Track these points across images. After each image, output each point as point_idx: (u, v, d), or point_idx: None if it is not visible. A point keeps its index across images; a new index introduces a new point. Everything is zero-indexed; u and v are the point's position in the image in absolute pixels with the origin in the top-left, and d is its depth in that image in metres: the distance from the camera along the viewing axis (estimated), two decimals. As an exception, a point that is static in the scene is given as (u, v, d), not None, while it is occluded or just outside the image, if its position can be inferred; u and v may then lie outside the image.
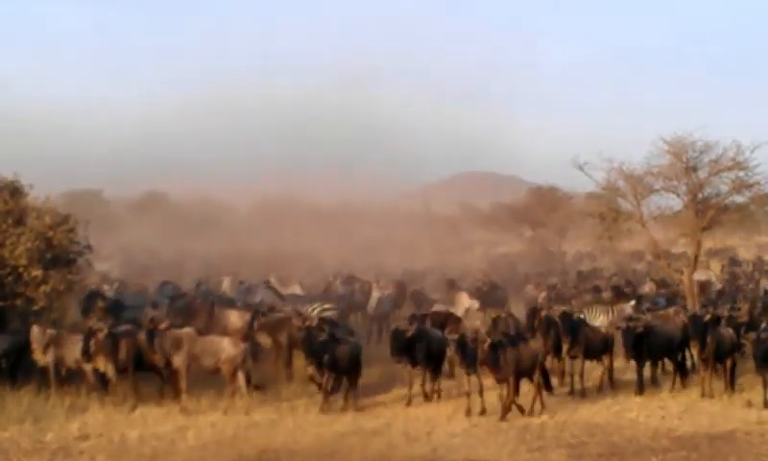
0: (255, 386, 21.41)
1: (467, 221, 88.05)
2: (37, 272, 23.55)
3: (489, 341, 20.37)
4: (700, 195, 29.85)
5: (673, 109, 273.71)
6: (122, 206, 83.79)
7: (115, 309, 28.12)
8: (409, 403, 21.77)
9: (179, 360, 21.23)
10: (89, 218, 27.64)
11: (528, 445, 18.06)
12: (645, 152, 29.99)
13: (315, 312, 27.93)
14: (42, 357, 22.01)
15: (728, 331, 22.79)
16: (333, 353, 21.34)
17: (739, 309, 25.94)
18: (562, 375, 23.68)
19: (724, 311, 25.06)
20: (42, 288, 23.56)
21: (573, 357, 23.26)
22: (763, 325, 23.28)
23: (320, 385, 21.80)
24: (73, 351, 21.70)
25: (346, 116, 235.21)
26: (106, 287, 36.01)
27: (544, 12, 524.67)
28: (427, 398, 22.15)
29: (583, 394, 22.54)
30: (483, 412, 20.47)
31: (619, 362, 23.57)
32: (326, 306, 29.62)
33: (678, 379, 23.12)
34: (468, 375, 20.75)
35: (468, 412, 20.50)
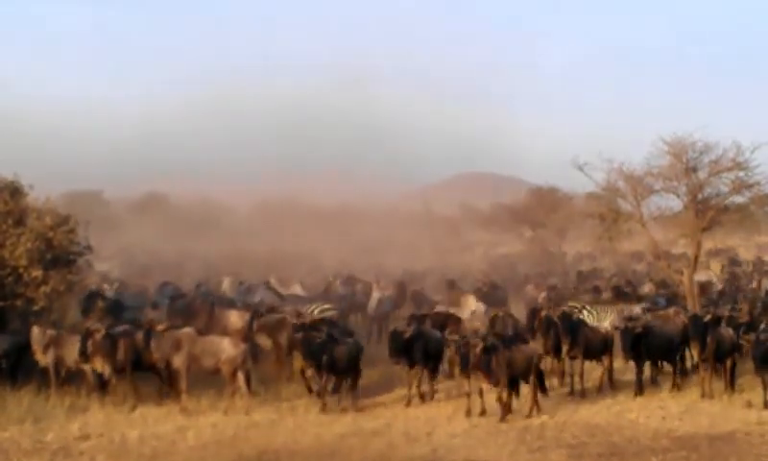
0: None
1: (467, 221, 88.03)
2: (38, 272, 23.55)
3: (481, 345, 20.26)
4: (700, 195, 29.83)
5: (673, 109, 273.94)
6: (122, 206, 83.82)
7: (115, 310, 28.14)
8: (409, 404, 21.79)
9: (179, 361, 21.22)
10: (89, 219, 27.64)
11: (528, 445, 18.07)
12: (645, 152, 30.02)
13: (315, 312, 27.95)
14: (42, 358, 22.02)
15: (728, 332, 22.79)
16: (332, 354, 21.32)
17: (740, 310, 25.95)
18: (561, 375, 23.70)
19: (724, 312, 25.07)
20: (42, 289, 23.56)
21: (573, 358, 23.28)
22: (762, 325, 23.28)
23: (310, 389, 21.87)
24: (73, 351, 21.67)
25: (346, 116, 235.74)
26: (106, 287, 36.00)
27: (544, 11, 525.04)
28: (423, 398, 22.14)
29: (583, 394, 22.55)
30: (483, 413, 20.47)
31: (619, 362, 23.56)
32: (326, 307, 29.63)
33: (677, 380, 23.11)
34: (466, 377, 20.76)
35: (468, 413, 20.50)
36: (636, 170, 29.99)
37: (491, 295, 35.19)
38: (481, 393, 20.60)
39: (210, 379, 21.76)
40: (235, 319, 26.03)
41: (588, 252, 60.79)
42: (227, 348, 21.31)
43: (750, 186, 29.76)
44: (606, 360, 23.39)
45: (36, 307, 23.66)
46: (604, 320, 27.06)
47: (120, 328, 22.49)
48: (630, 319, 24.16)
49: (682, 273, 31.22)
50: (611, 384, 23.24)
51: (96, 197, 77.23)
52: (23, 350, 22.42)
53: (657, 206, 30.95)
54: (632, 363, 22.85)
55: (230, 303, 29.80)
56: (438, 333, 23.20)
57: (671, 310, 26.90)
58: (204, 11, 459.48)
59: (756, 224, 35.04)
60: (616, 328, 23.46)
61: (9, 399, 20.77)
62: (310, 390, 22.07)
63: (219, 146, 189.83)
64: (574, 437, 18.67)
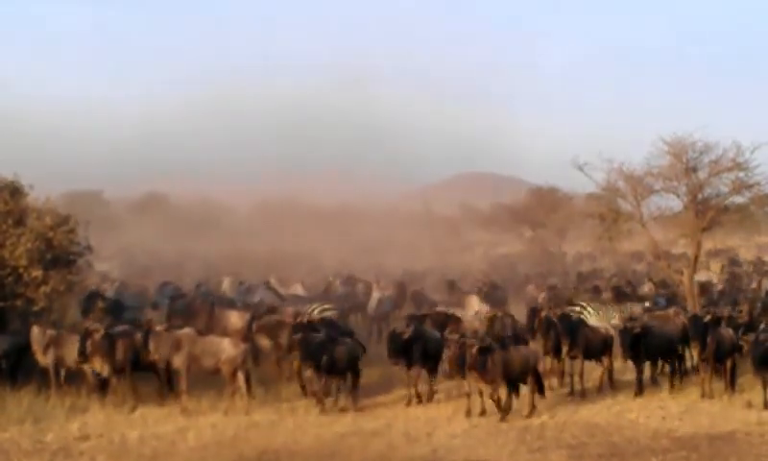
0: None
1: (467, 221, 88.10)
2: (38, 272, 23.54)
3: (476, 346, 20.22)
4: (700, 196, 29.82)
5: (673, 109, 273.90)
6: (122, 206, 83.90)
7: (115, 310, 28.14)
8: (409, 404, 21.79)
9: (179, 361, 21.21)
10: (89, 219, 27.63)
11: (528, 445, 18.06)
12: (645, 152, 30.00)
13: (315, 312, 27.94)
14: (42, 358, 22.02)
15: (728, 332, 22.78)
16: (331, 355, 21.30)
17: (740, 310, 25.94)
18: (561, 375, 23.69)
19: (724, 312, 25.06)
20: (42, 289, 23.55)
21: (573, 358, 23.28)
22: (762, 326, 23.27)
23: (304, 388, 21.86)
24: (73, 351, 21.65)
25: (346, 116, 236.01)
26: (106, 288, 36.00)
27: (544, 11, 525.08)
28: (420, 399, 22.10)
29: (583, 394, 22.54)
30: (483, 413, 20.47)
31: (619, 363, 23.56)
32: (326, 307, 29.64)
33: (675, 380, 23.11)
34: (463, 378, 20.76)
35: (469, 413, 20.50)
36: (636, 170, 30.00)
37: (491, 295, 35.22)
38: (481, 393, 20.60)
39: (210, 380, 21.75)
40: (235, 319, 26.04)
41: (588, 252, 60.83)
42: (227, 348, 21.30)
43: (750, 186, 29.75)
44: (606, 360, 23.40)
45: (36, 307, 23.65)
46: (611, 319, 27.06)
47: (119, 329, 22.49)
48: (630, 319, 24.16)
49: (682, 273, 31.21)
50: (611, 384, 23.24)
51: (96, 197, 77.32)
52: (23, 350, 22.42)
53: (657, 207, 30.96)
54: (632, 363, 22.86)
55: (230, 304, 29.82)
56: (437, 334, 23.20)
57: (671, 310, 26.92)
58: (204, 11, 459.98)
59: (756, 224, 35.06)
60: (616, 329, 23.45)
61: (9, 399, 20.77)
62: (304, 391, 22.04)
63: (219, 146, 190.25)
64: (574, 437, 18.66)
